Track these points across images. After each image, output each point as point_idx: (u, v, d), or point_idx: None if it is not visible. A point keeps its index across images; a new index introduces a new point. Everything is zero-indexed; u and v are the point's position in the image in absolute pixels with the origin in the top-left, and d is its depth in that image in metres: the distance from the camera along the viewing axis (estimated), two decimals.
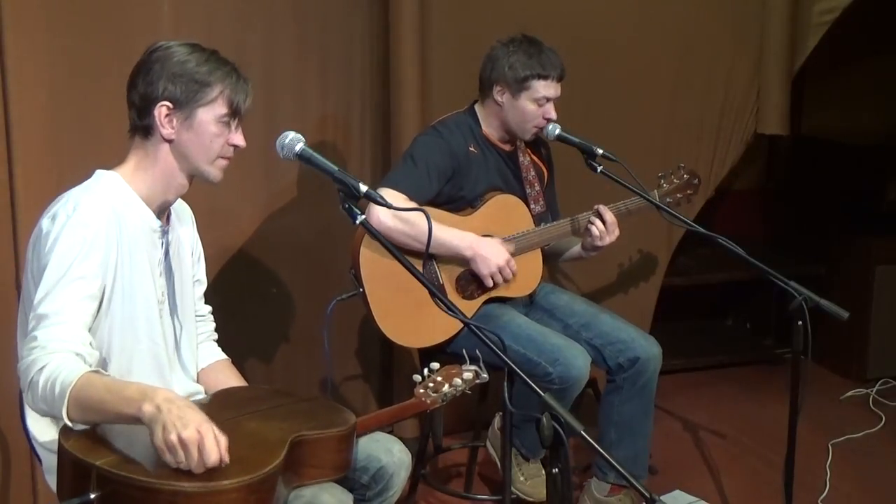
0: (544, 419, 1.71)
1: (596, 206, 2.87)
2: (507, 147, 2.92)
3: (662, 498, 1.74)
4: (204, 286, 2.24)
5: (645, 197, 2.84)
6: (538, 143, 3.03)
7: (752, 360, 4.43)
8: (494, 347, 1.85)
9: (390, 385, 3.50)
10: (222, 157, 2.00)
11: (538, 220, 2.91)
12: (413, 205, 2.64)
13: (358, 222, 1.93)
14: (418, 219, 2.59)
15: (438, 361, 2.28)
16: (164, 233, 2.04)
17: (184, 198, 2.12)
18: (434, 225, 2.61)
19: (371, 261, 2.63)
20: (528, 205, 2.91)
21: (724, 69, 3.70)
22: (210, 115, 1.94)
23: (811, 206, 4.53)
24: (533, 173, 2.96)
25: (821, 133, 4.60)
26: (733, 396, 4.09)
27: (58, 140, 2.78)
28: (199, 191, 2.06)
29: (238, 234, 3.22)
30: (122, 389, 1.69)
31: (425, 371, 2.22)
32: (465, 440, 3.28)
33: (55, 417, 1.73)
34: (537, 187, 2.95)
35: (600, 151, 2.81)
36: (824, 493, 3.21)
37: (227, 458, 1.63)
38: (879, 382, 4.11)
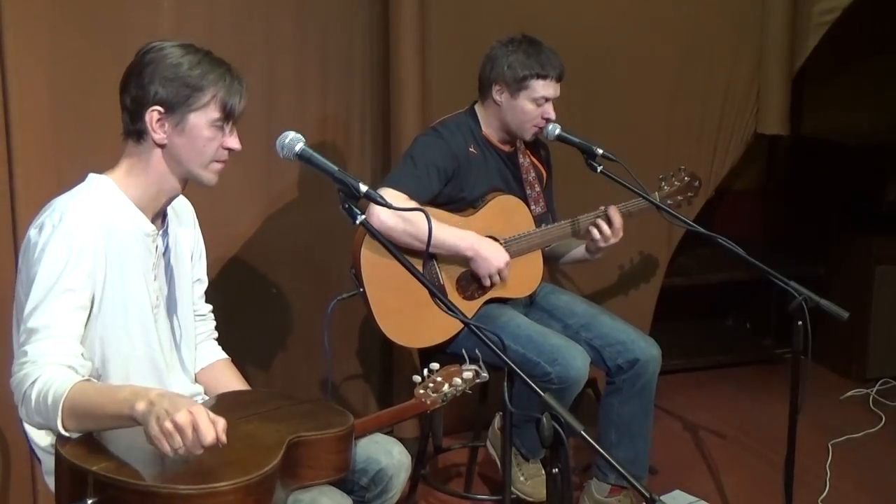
0: (544, 419, 1.71)
1: (605, 207, 2.87)
2: (507, 148, 2.91)
3: (662, 498, 1.74)
4: (205, 285, 2.23)
5: (645, 197, 2.84)
6: (537, 145, 3.03)
7: (752, 360, 4.43)
8: (494, 347, 1.85)
9: (390, 385, 3.50)
10: (217, 161, 1.96)
11: (539, 221, 2.91)
12: (413, 205, 2.64)
13: (358, 222, 1.92)
14: (419, 218, 2.59)
15: (438, 362, 2.28)
16: (163, 235, 2.03)
17: (184, 197, 2.12)
18: (435, 224, 2.62)
19: (371, 261, 2.63)
20: (528, 206, 2.91)
21: (724, 69, 3.70)
22: (203, 119, 1.91)
23: (811, 206, 4.53)
24: (533, 174, 2.96)
25: (821, 133, 4.59)
26: (733, 396, 4.09)
27: (58, 140, 2.78)
28: (199, 191, 2.05)
29: (238, 234, 3.22)
30: (115, 392, 1.70)
31: (425, 371, 2.22)
32: (465, 440, 3.28)
33: (51, 430, 1.73)
34: (537, 188, 2.95)
35: (600, 151, 2.81)
36: (824, 493, 3.22)
37: (223, 439, 1.62)
38: (879, 382, 4.11)
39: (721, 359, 4.39)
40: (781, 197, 4.76)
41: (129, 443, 1.71)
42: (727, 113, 3.73)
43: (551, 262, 3.10)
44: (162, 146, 1.92)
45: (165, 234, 2.05)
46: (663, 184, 3.03)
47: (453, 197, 2.79)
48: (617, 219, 2.85)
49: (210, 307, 2.27)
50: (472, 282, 2.80)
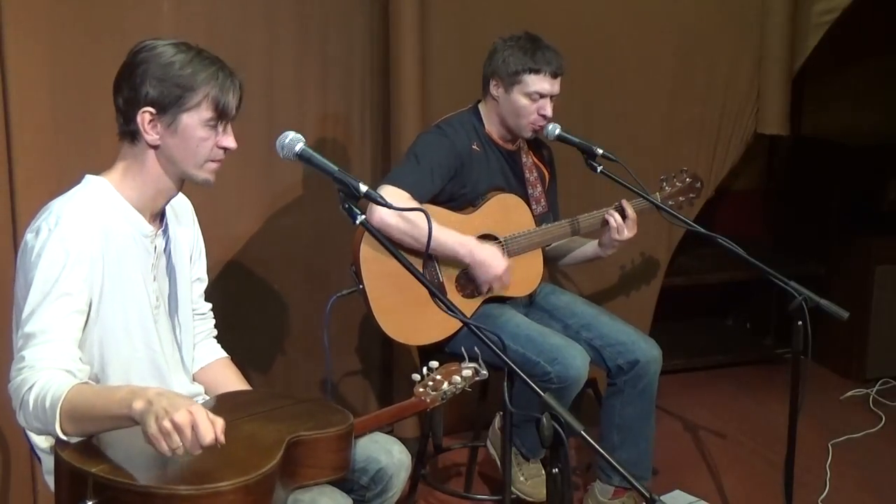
0: (544, 419, 1.71)
1: (619, 201, 2.87)
2: (509, 146, 2.92)
3: (662, 498, 1.74)
4: (205, 284, 2.23)
5: (645, 196, 2.84)
6: (540, 146, 3.03)
7: (752, 360, 4.43)
8: (494, 347, 1.85)
9: (390, 384, 3.50)
10: (212, 161, 1.94)
11: (539, 220, 2.91)
12: (414, 204, 2.64)
13: (358, 222, 1.92)
14: (419, 219, 2.59)
15: (438, 361, 2.28)
16: (162, 234, 2.02)
17: (184, 195, 2.12)
18: (435, 226, 2.63)
19: (371, 258, 2.63)
20: (529, 205, 2.91)
21: (724, 69, 3.70)
22: (195, 119, 1.88)
23: (811, 206, 4.53)
24: (535, 174, 2.96)
25: (821, 133, 4.59)
26: (733, 396, 4.09)
27: (58, 140, 2.78)
28: (199, 190, 2.05)
29: (238, 233, 3.22)
30: (113, 393, 1.70)
31: (424, 370, 2.22)
32: (465, 440, 3.28)
33: (50, 434, 1.73)
34: (539, 188, 2.95)
35: (600, 151, 2.82)
36: (824, 493, 3.22)
37: (222, 439, 1.61)
38: (879, 382, 4.11)
39: (721, 359, 4.39)
40: (781, 197, 4.76)
41: (128, 444, 1.71)
42: (727, 113, 3.73)
43: (557, 261, 3.10)
44: (155, 147, 1.90)
45: (165, 233, 2.04)
46: (665, 185, 3.03)
47: (454, 194, 2.79)
48: (630, 211, 2.85)
49: (210, 306, 2.26)
50: (471, 280, 2.80)
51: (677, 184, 3.04)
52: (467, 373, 2.23)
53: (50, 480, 1.91)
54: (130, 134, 1.90)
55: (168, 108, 1.87)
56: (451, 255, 2.71)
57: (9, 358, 1.84)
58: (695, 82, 3.68)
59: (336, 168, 1.94)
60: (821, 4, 3.69)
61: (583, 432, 1.70)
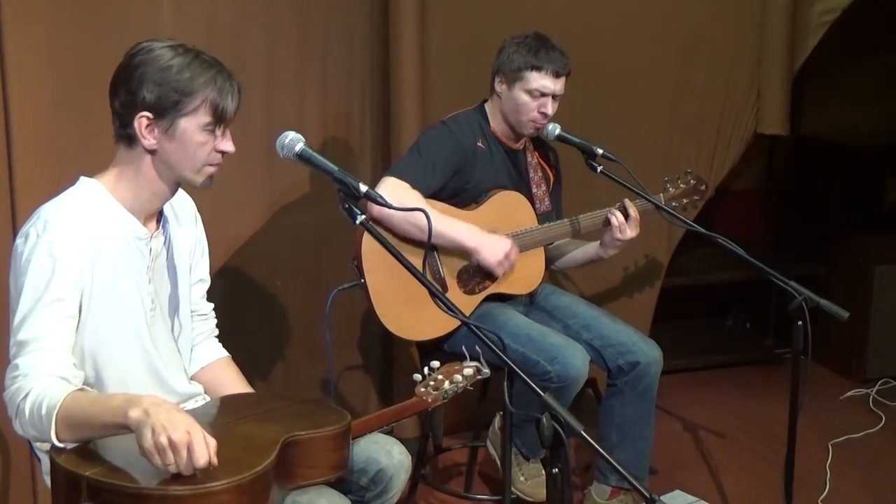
0: (544, 419, 1.71)
1: (622, 200, 2.88)
2: (514, 145, 2.92)
3: (662, 498, 1.74)
4: (207, 284, 2.22)
5: (645, 196, 2.85)
6: (546, 148, 3.04)
7: (752, 360, 4.43)
8: (494, 347, 1.85)
9: (391, 384, 3.50)
10: (210, 165, 1.92)
11: (542, 219, 2.92)
12: (416, 194, 2.66)
13: (358, 222, 1.92)
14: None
15: (438, 360, 2.28)
16: (160, 236, 2.01)
17: (187, 194, 2.11)
18: (438, 217, 2.65)
19: (373, 252, 2.63)
20: (532, 203, 2.91)
21: (724, 69, 3.70)
22: (193, 124, 1.85)
23: (811, 206, 4.53)
24: (540, 174, 2.97)
25: (821, 133, 4.59)
26: (733, 396, 4.09)
27: (58, 140, 2.78)
28: (200, 190, 2.03)
29: (239, 234, 3.22)
30: (108, 401, 1.70)
31: (425, 370, 2.22)
32: (465, 440, 3.28)
33: (45, 441, 1.73)
34: (543, 188, 2.96)
35: (600, 151, 2.83)
36: (824, 493, 3.22)
37: (215, 461, 1.62)
38: (879, 382, 4.11)
39: (721, 359, 4.39)
40: (781, 197, 4.76)
41: (122, 448, 1.71)
42: (727, 113, 3.73)
43: (556, 262, 3.09)
44: (152, 152, 1.88)
45: (163, 235, 2.03)
46: (668, 186, 3.03)
47: (458, 190, 2.80)
48: (633, 211, 2.85)
49: (211, 306, 2.26)
50: (473, 276, 2.80)
51: (681, 185, 3.04)
52: (469, 372, 2.23)
53: (49, 480, 1.91)
54: (127, 137, 1.88)
55: (166, 112, 1.84)
56: (455, 243, 2.72)
57: (8, 359, 1.84)
58: (695, 82, 3.68)
59: (336, 168, 1.94)
60: (821, 4, 3.69)
61: (583, 432, 1.70)
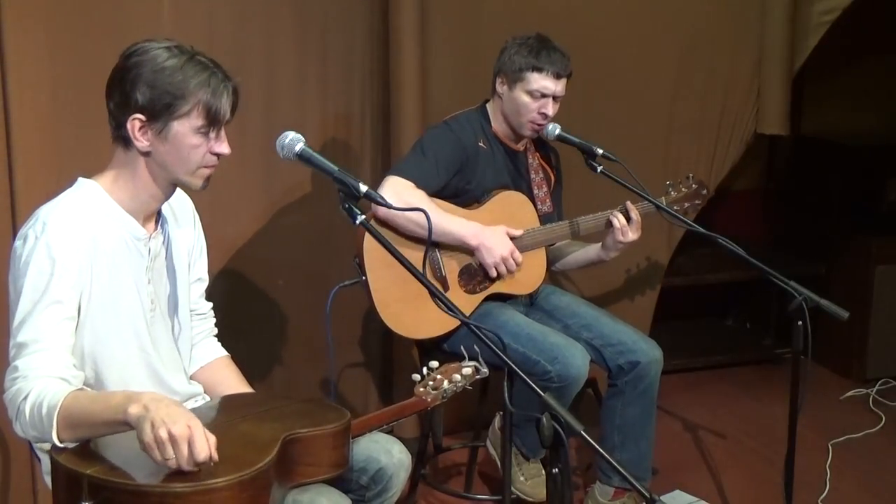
0: (544, 419, 1.71)
1: (624, 203, 2.88)
2: (515, 146, 2.92)
3: (662, 498, 1.74)
4: (205, 283, 2.22)
5: (645, 196, 2.85)
6: (547, 149, 3.04)
7: (752, 360, 4.43)
8: (494, 347, 1.85)
9: (391, 383, 3.50)
10: (205, 167, 1.91)
11: (544, 220, 2.92)
12: (420, 192, 2.67)
13: (358, 222, 1.92)
14: (422, 205, 2.60)
15: (437, 360, 2.28)
16: (159, 236, 2.01)
17: (185, 194, 2.11)
18: (439, 213, 2.66)
19: (375, 249, 2.63)
20: (533, 204, 2.91)
21: (724, 69, 3.70)
22: (186, 126, 1.84)
23: (811, 206, 4.53)
24: (541, 175, 2.97)
25: (821, 133, 4.59)
26: (733, 396, 4.09)
27: (58, 140, 2.78)
28: (198, 191, 2.04)
29: (238, 234, 3.22)
30: (108, 398, 1.71)
31: (425, 370, 2.22)
32: (465, 440, 3.29)
33: (47, 442, 1.73)
34: (544, 188, 2.96)
35: (600, 151, 2.83)
36: (824, 493, 3.22)
37: (216, 456, 1.62)
38: (879, 382, 4.11)
39: (721, 359, 4.39)
40: (782, 197, 4.76)
41: (123, 446, 1.71)
42: (727, 113, 3.73)
43: (557, 264, 3.09)
44: (146, 154, 1.88)
45: (161, 235, 2.02)
46: (670, 189, 3.03)
47: (459, 190, 2.80)
48: (635, 214, 2.86)
49: (210, 305, 2.26)
50: (474, 275, 2.80)
51: (683, 189, 3.04)
52: (468, 371, 2.23)
53: (49, 480, 1.91)
54: (123, 139, 1.88)
55: (158, 115, 1.83)
56: (456, 239, 2.72)
57: (8, 360, 1.84)
58: (695, 82, 3.68)
59: (336, 168, 1.94)
60: (821, 4, 3.69)
61: (583, 432, 1.70)
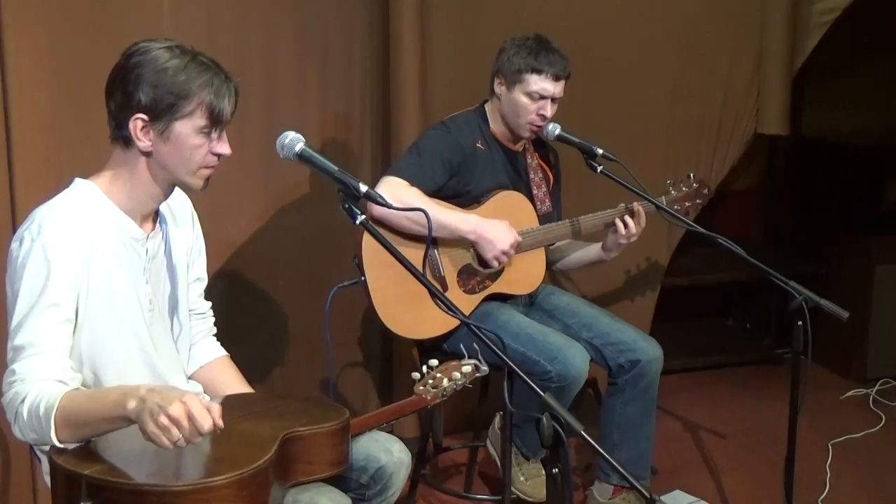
0: (544, 419, 1.71)
1: (631, 205, 2.88)
2: (514, 146, 2.92)
3: (662, 498, 1.74)
4: (204, 283, 2.22)
5: (645, 196, 2.85)
6: (546, 149, 3.04)
7: (752, 360, 4.43)
8: (494, 347, 1.85)
9: (391, 383, 3.50)
10: (205, 167, 1.91)
11: (543, 220, 2.92)
12: (416, 191, 2.66)
13: (358, 222, 1.92)
14: (421, 202, 2.60)
15: (437, 359, 2.28)
16: (156, 236, 2.00)
17: (184, 194, 2.11)
18: (437, 209, 2.65)
19: (374, 250, 2.63)
20: (533, 204, 2.91)
21: (724, 69, 3.70)
22: (188, 127, 1.84)
23: (811, 206, 4.53)
24: (540, 175, 2.97)
25: (821, 133, 4.59)
26: (733, 396, 4.09)
27: (58, 140, 2.78)
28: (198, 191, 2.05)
29: (238, 234, 3.22)
30: (106, 395, 1.71)
31: (424, 368, 2.22)
32: (465, 440, 3.29)
33: (46, 444, 1.73)
34: (543, 188, 2.96)
35: (600, 151, 2.82)
36: (824, 493, 3.22)
37: (221, 424, 1.62)
38: (879, 382, 4.11)
39: (721, 359, 4.39)
40: (781, 197, 4.76)
41: (121, 444, 1.71)
42: (727, 113, 3.74)
43: (557, 264, 3.09)
44: (147, 154, 1.87)
45: (159, 235, 2.02)
46: (671, 189, 3.03)
47: (458, 191, 2.80)
48: (642, 216, 2.86)
49: (209, 304, 2.26)
50: (473, 275, 2.80)
51: (683, 188, 3.04)
52: (467, 369, 2.23)
53: (49, 480, 1.91)
54: (123, 138, 1.87)
55: (161, 115, 1.83)
56: (456, 234, 2.72)
57: (6, 363, 1.84)
58: (695, 82, 3.68)
59: (336, 168, 1.94)
60: (821, 4, 3.69)
61: (583, 432, 1.70)
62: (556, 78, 2.77)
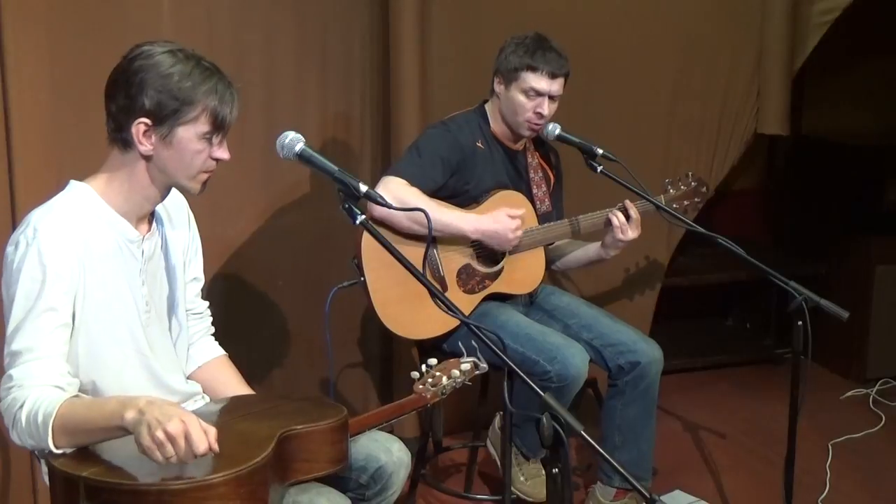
0: (544, 419, 1.71)
1: (623, 201, 2.88)
2: (514, 146, 2.92)
3: (662, 498, 1.74)
4: (201, 283, 2.21)
5: (645, 196, 2.85)
6: (547, 149, 3.04)
7: (752, 360, 4.43)
8: (494, 347, 1.85)
9: (391, 383, 3.50)
10: (204, 172, 1.91)
11: (543, 219, 2.92)
12: (415, 191, 2.66)
13: (358, 222, 1.92)
14: (422, 203, 2.60)
15: (437, 359, 2.28)
16: (152, 238, 2.00)
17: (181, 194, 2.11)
18: (437, 208, 2.65)
19: (374, 250, 2.63)
20: (532, 204, 2.91)
21: (724, 69, 3.70)
22: (191, 132, 1.84)
23: (811, 206, 4.53)
24: (540, 175, 2.97)
25: (821, 133, 4.59)
26: (733, 396, 4.09)
27: (58, 140, 2.78)
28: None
29: (238, 234, 3.22)
30: (104, 405, 1.71)
31: (423, 367, 2.22)
32: (465, 440, 3.28)
33: (43, 449, 1.73)
34: (543, 188, 2.96)
35: (600, 151, 2.83)
36: (824, 493, 3.22)
37: (216, 447, 1.63)
38: (879, 382, 4.11)
39: (721, 359, 4.39)
40: (781, 197, 4.76)
41: (118, 447, 1.71)
42: (727, 113, 3.74)
43: (557, 263, 3.09)
44: (147, 157, 1.87)
45: (156, 236, 2.02)
46: (669, 187, 3.03)
47: (458, 190, 2.80)
48: (633, 211, 2.86)
49: (207, 304, 2.25)
50: (472, 275, 2.80)
51: (682, 187, 3.04)
52: (466, 367, 2.23)
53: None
54: (122, 141, 1.87)
55: (164, 120, 1.82)
56: (456, 233, 2.73)
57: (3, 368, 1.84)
58: (695, 82, 3.68)
59: (336, 168, 1.94)
60: (821, 4, 3.69)
61: (583, 432, 1.70)
62: (553, 76, 2.77)
